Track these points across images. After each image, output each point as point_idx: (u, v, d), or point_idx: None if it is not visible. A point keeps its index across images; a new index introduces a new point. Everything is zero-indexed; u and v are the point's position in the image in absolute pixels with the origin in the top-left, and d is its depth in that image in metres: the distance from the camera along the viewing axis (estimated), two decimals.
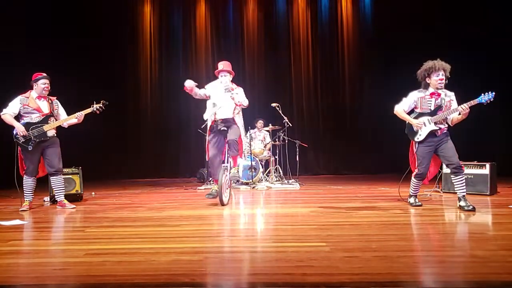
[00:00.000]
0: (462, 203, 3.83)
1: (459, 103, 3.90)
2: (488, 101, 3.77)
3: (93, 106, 4.61)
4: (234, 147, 4.48)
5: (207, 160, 4.69)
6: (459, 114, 3.85)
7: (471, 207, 3.74)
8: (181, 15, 10.26)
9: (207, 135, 4.67)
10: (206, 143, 4.67)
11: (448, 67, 3.92)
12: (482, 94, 3.78)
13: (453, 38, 8.85)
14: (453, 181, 3.98)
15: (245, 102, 4.62)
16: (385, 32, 9.90)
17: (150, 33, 10.23)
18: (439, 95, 3.94)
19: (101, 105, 4.63)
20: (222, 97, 4.49)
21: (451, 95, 3.99)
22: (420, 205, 4.07)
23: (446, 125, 4.01)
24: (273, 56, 10.24)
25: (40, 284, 1.89)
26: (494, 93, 3.75)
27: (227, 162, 4.59)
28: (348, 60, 10.27)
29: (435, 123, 3.91)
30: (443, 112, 3.90)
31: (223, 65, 4.73)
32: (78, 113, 4.53)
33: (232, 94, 4.48)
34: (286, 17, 10.26)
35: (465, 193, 3.88)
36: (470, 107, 3.79)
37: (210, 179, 7.12)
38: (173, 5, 10.28)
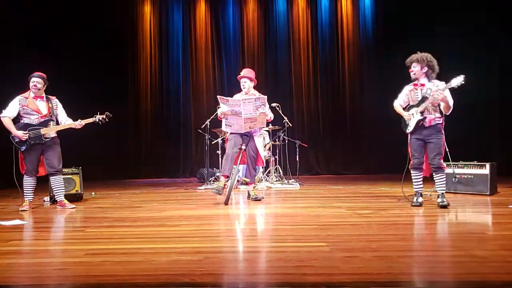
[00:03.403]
0: (439, 199, 3.98)
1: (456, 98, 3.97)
2: (459, 85, 3.78)
3: (95, 117, 4.58)
4: (253, 166, 4.78)
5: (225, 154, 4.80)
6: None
7: (445, 203, 3.90)
8: (181, 15, 10.27)
9: (227, 134, 4.89)
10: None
11: (416, 58, 3.97)
12: (453, 79, 3.78)
13: (453, 38, 8.85)
14: (434, 177, 4.07)
15: (272, 116, 4.74)
16: (385, 32, 9.91)
17: (150, 33, 10.24)
18: (422, 85, 4.02)
19: (104, 117, 4.61)
20: (247, 112, 4.46)
21: (439, 84, 3.96)
22: (419, 205, 4.06)
23: (437, 116, 3.99)
24: (273, 56, 10.24)
25: (40, 284, 1.89)
26: (464, 76, 3.75)
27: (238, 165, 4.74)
28: (348, 60, 10.28)
29: (421, 113, 3.98)
30: (425, 102, 3.97)
31: (244, 71, 4.83)
32: (78, 122, 4.51)
33: (265, 111, 4.53)
34: (286, 17, 10.27)
35: (444, 191, 4.01)
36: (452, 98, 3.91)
37: (211, 179, 7.15)
38: (173, 5, 10.28)
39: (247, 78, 4.76)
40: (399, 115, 4.25)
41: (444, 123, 4.02)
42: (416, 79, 4.06)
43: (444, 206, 3.90)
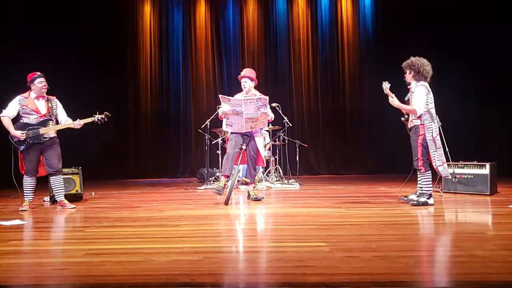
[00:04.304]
0: (411, 196, 4.21)
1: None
2: (385, 90, 4.13)
3: (94, 116, 4.57)
4: (253, 166, 4.78)
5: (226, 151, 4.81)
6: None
7: (414, 202, 4.04)
8: (181, 15, 10.27)
9: (228, 134, 4.89)
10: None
11: (404, 64, 4.20)
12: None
13: (453, 38, 8.85)
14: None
15: (273, 116, 4.75)
16: (385, 32, 9.92)
17: (150, 33, 10.24)
18: (410, 89, 4.23)
19: (103, 117, 4.60)
20: (249, 112, 4.45)
21: (415, 88, 4.11)
22: (404, 201, 4.21)
23: (413, 118, 4.11)
24: (273, 56, 10.24)
25: (40, 284, 1.88)
26: (384, 82, 4.18)
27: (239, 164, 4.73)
28: (348, 60, 10.28)
29: (407, 115, 4.21)
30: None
31: (245, 71, 4.83)
32: (77, 121, 4.51)
33: (266, 112, 4.53)
34: (286, 17, 10.27)
35: (427, 191, 4.06)
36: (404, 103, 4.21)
37: (211, 179, 7.15)
38: (173, 5, 10.29)
39: (247, 77, 4.76)
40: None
41: (423, 125, 4.02)
42: (409, 83, 4.22)
43: (414, 204, 4.01)
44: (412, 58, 4.15)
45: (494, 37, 8.32)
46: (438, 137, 4.06)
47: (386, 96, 4.19)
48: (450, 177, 4.43)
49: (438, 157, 4.03)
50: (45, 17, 8.57)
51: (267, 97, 4.48)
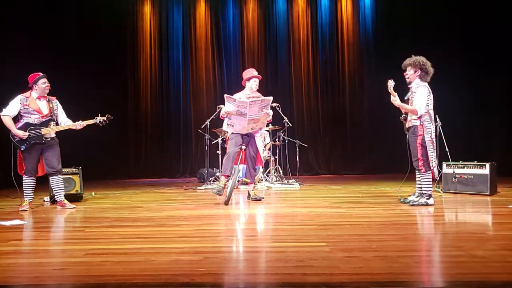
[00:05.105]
0: (411, 197, 4.24)
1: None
2: (390, 89, 4.10)
3: (96, 118, 4.58)
4: (253, 166, 4.78)
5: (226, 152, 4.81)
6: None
7: (416, 203, 4.03)
8: (181, 15, 10.26)
9: (228, 134, 4.88)
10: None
11: (409, 63, 4.14)
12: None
13: (453, 38, 8.85)
14: None
15: (271, 118, 4.76)
16: (385, 32, 9.91)
17: (150, 33, 10.23)
18: (410, 88, 4.20)
19: (105, 119, 4.60)
20: (252, 114, 4.45)
21: (417, 88, 4.09)
22: (404, 202, 4.19)
23: (412, 118, 4.11)
24: (273, 56, 10.24)
25: (40, 284, 1.89)
26: (389, 80, 4.10)
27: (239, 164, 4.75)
28: (348, 60, 10.26)
29: (406, 114, 4.21)
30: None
31: (255, 71, 4.83)
32: (78, 122, 4.51)
33: (268, 112, 4.54)
34: (286, 17, 10.26)
35: (427, 192, 4.07)
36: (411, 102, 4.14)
37: (211, 179, 7.15)
38: (173, 5, 10.28)
39: (258, 78, 4.80)
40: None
41: (422, 125, 4.02)
42: (410, 82, 4.18)
43: (414, 205, 4.01)
44: (418, 58, 4.09)
45: (494, 37, 8.31)
46: (435, 139, 4.08)
47: (387, 94, 4.17)
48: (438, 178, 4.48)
49: (434, 159, 4.04)
50: (45, 17, 8.56)
51: (271, 98, 4.49)
